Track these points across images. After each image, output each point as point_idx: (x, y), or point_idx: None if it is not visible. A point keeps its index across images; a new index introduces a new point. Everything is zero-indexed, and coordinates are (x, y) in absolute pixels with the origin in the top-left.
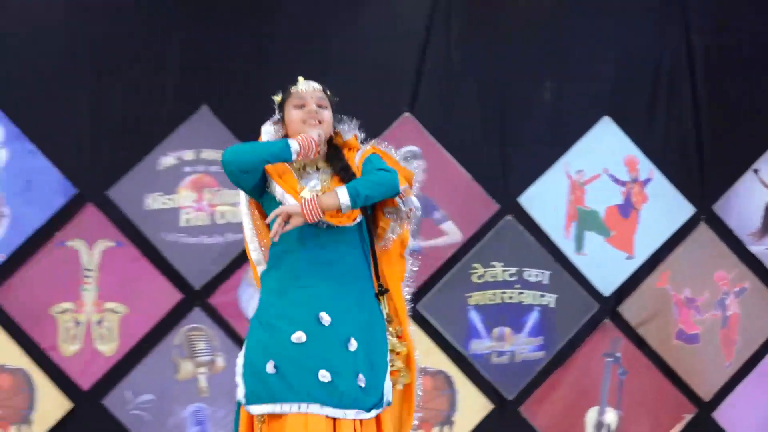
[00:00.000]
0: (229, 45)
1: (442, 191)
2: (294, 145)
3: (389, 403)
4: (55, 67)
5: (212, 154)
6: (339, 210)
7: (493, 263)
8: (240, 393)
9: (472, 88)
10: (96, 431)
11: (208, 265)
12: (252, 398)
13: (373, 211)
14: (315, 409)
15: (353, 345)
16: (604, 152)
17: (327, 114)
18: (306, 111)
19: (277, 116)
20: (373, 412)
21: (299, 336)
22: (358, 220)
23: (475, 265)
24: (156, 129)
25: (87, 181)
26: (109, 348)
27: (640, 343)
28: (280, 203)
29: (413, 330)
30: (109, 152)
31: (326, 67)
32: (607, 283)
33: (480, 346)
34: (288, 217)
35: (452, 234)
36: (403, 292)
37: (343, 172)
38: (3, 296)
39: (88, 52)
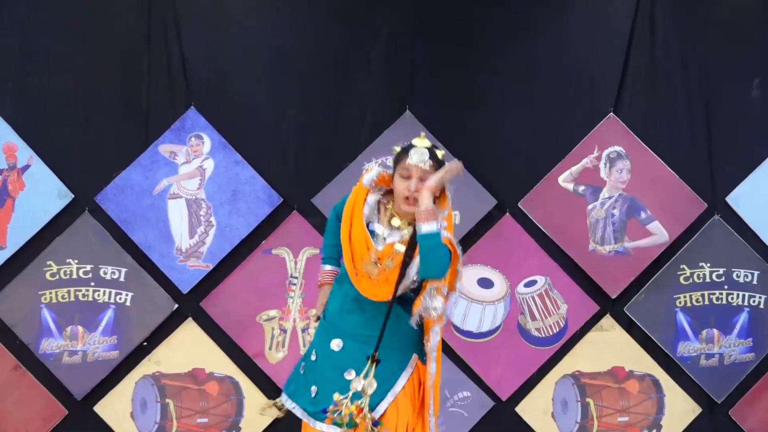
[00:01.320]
0: (433, 49)
1: (648, 191)
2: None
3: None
4: (260, 77)
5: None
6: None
7: (701, 264)
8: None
9: (677, 86)
10: None
11: None
12: (288, 387)
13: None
14: (298, 413)
15: (351, 374)
16: None
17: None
18: (407, 188)
19: (387, 170)
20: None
21: (313, 355)
22: (391, 299)
23: (683, 266)
24: (360, 135)
25: (292, 190)
26: None
27: None
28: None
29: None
30: (314, 159)
31: (530, 69)
32: None
33: (688, 348)
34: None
35: (659, 234)
36: None
37: (410, 246)
38: (210, 305)
39: (294, 62)
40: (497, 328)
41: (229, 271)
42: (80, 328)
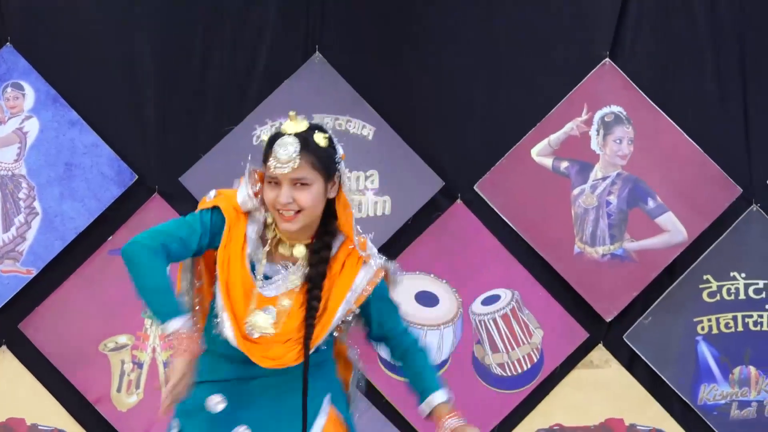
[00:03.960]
0: None
1: (657, 169)
2: (168, 329)
3: None
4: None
5: (329, 122)
6: None
7: (732, 273)
8: None
9: (698, 26)
10: None
11: None
12: None
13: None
14: None
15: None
16: None
17: (307, 198)
18: (276, 200)
19: (254, 181)
20: None
21: (175, 425)
22: (290, 363)
23: (707, 276)
24: (250, 87)
25: (151, 164)
26: None
27: None
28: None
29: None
30: (183, 122)
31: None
32: None
33: (714, 393)
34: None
35: (673, 231)
36: None
37: (313, 286)
38: (33, 328)
39: None
40: (444, 363)
41: (61, 280)
42: (752, 369)
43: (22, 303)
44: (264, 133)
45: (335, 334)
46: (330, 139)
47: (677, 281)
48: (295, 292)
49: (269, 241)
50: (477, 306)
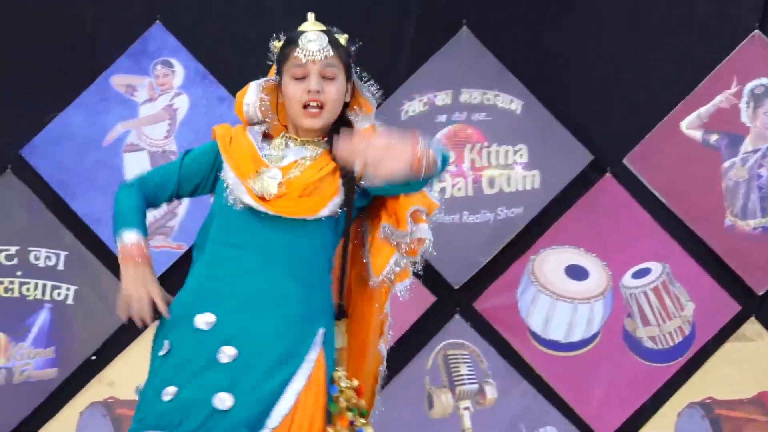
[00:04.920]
0: None
1: None
2: (122, 240)
3: None
4: None
5: (477, 96)
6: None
7: None
8: None
9: None
10: None
11: (472, 255)
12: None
13: (361, 228)
14: None
15: (228, 354)
16: None
17: (333, 91)
18: (305, 90)
19: (273, 78)
20: None
21: (165, 347)
22: (324, 214)
23: None
24: (398, 64)
25: None
26: None
27: None
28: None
29: None
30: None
31: None
32: None
33: None
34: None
35: None
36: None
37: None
38: None
39: None
40: (594, 336)
41: None
42: (2, 336)
43: (173, 278)
44: (412, 109)
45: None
46: (347, 41)
47: None
48: (306, 163)
49: (283, 142)
50: (627, 279)
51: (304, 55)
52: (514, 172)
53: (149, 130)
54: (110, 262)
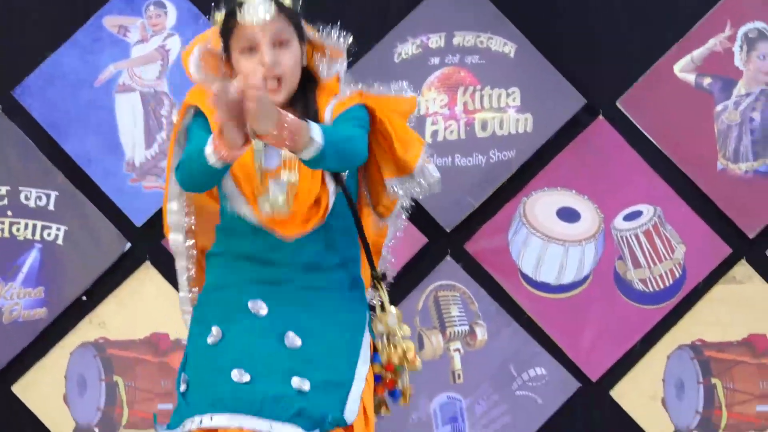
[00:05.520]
0: None
1: None
2: (209, 150)
3: (344, 424)
4: None
5: (470, 39)
6: (300, 149)
7: None
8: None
9: None
10: None
11: (464, 198)
12: (170, 423)
13: (368, 183)
14: (221, 420)
15: (293, 341)
16: None
17: (289, 59)
18: (259, 64)
19: (215, 48)
20: None
21: (216, 333)
22: (318, 223)
23: None
24: (391, 6)
25: None
26: None
27: None
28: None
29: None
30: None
31: None
32: None
33: None
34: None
35: None
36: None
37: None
38: None
39: None
40: (585, 278)
41: None
42: None
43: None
44: (405, 51)
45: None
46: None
47: None
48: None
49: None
50: (619, 222)
51: (246, 23)
52: (506, 115)
53: (141, 71)
54: (101, 202)
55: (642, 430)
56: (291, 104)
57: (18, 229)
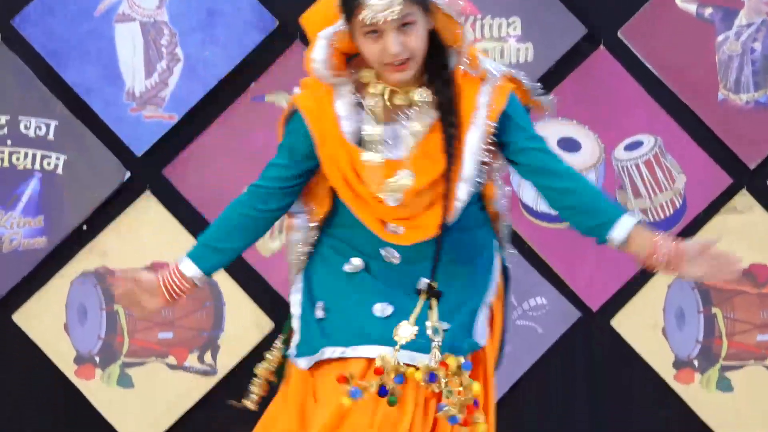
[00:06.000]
0: None
1: None
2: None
3: (477, 348)
4: None
5: None
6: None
7: None
8: (293, 344)
9: None
10: None
11: None
12: (301, 349)
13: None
14: (364, 351)
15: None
16: None
17: (416, 40)
18: (384, 52)
19: (341, 26)
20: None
21: (356, 263)
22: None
23: None
24: None
25: (294, 10)
26: None
27: None
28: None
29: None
30: None
31: None
32: None
33: None
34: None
35: None
36: None
37: (448, 123)
38: (176, 173)
39: None
40: None
41: (204, 126)
42: None
43: (165, 149)
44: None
45: (479, 179)
46: None
47: None
48: (424, 139)
49: (381, 99)
50: (619, 152)
51: (372, 17)
52: (507, 45)
53: (141, 1)
54: (100, 132)
55: (642, 359)
56: (428, 82)
57: (18, 159)
